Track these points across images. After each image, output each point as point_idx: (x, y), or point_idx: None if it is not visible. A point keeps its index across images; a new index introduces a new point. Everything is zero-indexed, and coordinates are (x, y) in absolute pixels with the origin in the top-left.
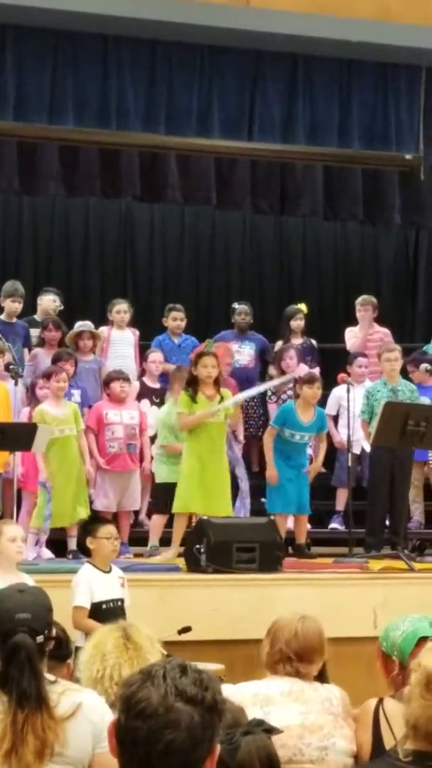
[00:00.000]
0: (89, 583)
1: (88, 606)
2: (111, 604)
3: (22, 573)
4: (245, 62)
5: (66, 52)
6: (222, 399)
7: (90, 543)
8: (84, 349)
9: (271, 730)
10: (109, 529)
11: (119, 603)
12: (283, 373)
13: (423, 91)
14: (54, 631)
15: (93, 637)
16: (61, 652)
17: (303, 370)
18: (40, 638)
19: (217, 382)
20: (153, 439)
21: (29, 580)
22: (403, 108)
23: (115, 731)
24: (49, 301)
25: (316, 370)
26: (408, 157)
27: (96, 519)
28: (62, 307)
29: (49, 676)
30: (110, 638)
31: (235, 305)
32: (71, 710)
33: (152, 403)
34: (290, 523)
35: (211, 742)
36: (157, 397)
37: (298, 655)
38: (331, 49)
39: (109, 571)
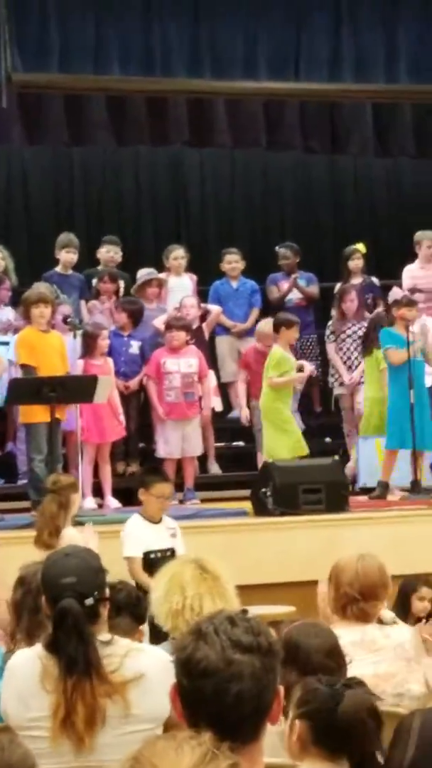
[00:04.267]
0: (138, 534)
1: (138, 555)
2: (159, 554)
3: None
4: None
5: (110, 4)
6: None
7: (141, 495)
8: (151, 297)
9: (371, 693)
10: (163, 488)
11: (168, 554)
12: (343, 314)
13: None
14: (107, 593)
15: (165, 572)
16: (139, 610)
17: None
18: (89, 601)
19: None
20: None
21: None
22: None
23: (179, 695)
24: (103, 253)
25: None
26: None
27: (152, 472)
28: (120, 260)
29: (104, 636)
30: (186, 570)
31: (277, 247)
32: (135, 675)
33: None
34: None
35: (275, 684)
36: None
37: (363, 595)
38: None
39: (158, 522)
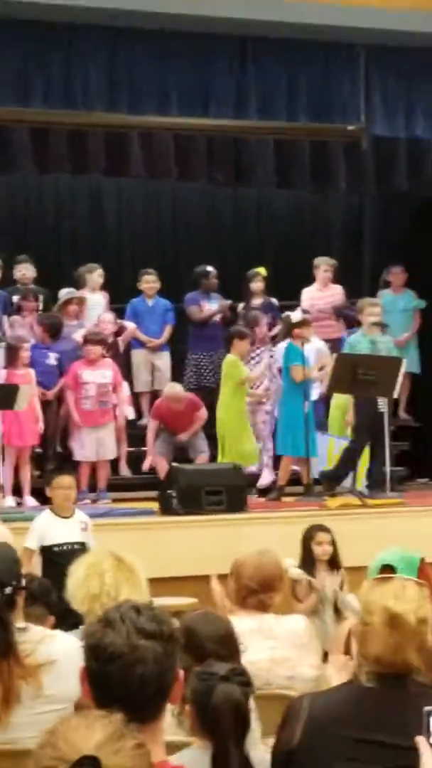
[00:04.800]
0: (43, 528)
1: (35, 548)
2: (66, 547)
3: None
4: (198, 46)
5: (35, 43)
6: None
7: (48, 492)
8: (72, 314)
9: (247, 685)
10: (61, 480)
11: (76, 546)
12: (252, 339)
13: (363, 68)
14: (23, 582)
15: (83, 560)
16: (50, 599)
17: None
18: (8, 590)
19: None
20: None
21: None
22: (346, 83)
23: (88, 678)
24: (16, 273)
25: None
26: (351, 128)
27: (53, 471)
28: (35, 275)
29: (20, 624)
30: (104, 560)
31: (209, 268)
32: (48, 660)
33: None
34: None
35: (175, 668)
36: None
37: (261, 586)
38: (277, 31)
39: (68, 517)
